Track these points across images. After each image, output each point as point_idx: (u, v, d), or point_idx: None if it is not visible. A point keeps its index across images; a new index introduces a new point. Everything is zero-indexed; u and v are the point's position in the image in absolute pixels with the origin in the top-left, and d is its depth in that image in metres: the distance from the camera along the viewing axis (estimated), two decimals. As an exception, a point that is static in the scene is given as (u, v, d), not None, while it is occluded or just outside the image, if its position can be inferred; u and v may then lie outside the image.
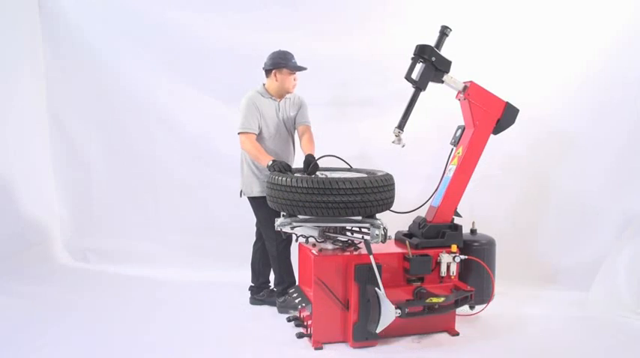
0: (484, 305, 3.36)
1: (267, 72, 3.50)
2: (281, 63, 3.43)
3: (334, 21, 4.49)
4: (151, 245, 4.69)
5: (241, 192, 3.58)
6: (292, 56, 3.49)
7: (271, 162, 3.20)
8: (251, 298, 3.70)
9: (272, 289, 3.73)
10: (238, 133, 3.43)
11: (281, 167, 3.14)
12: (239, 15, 4.54)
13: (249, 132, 3.39)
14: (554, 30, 4.23)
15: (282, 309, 3.48)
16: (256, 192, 3.47)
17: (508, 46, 4.27)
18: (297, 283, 3.49)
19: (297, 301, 3.18)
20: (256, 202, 3.50)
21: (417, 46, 3.20)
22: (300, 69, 3.50)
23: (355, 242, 3.14)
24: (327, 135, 3.90)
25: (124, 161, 4.80)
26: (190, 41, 4.60)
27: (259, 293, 3.69)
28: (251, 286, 3.74)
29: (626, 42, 4.08)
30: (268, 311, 3.48)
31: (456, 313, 3.21)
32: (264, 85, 3.54)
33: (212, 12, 4.56)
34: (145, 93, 4.70)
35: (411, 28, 4.30)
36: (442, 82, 3.26)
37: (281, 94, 3.52)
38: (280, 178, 2.90)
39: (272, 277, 3.75)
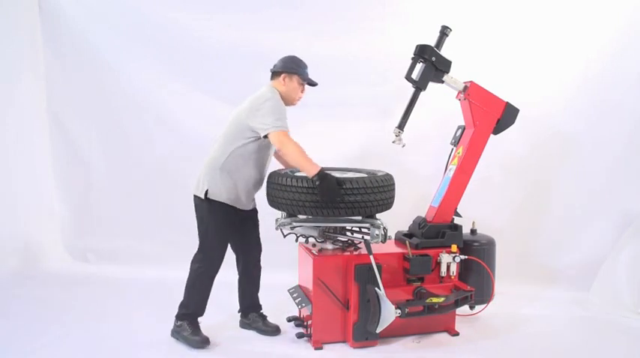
0: (484, 305, 3.36)
1: (276, 74, 3.07)
2: (294, 68, 3.03)
3: (334, 21, 4.49)
4: (151, 245, 4.68)
5: (207, 192, 2.95)
6: (306, 66, 3.11)
7: (322, 172, 2.76)
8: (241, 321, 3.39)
9: (262, 313, 3.37)
10: (276, 131, 2.82)
11: (335, 180, 2.77)
12: (240, 15, 4.55)
13: (288, 131, 2.89)
14: (554, 30, 4.23)
15: (175, 334, 3.06)
16: (224, 198, 2.97)
17: (508, 46, 4.26)
18: (200, 317, 3.11)
19: (297, 301, 3.18)
20: (216, 208, 2.98)
21: (417, 46, 3.20)
22: (311, 82, 3.11)
23: (355, 242, 3.14)
24: (327, 135, 3.90)
25: (124, 161, 4.80)
26: (191, 41, 4.60)
27: (247, 315, 3.35)
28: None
29: (627, 42, 4.08)
30: (268, 312, 3.47)
31: (456, 313, 3.21)
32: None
33: (213, 12, 4.56)
34: (145, 94, 4.70)
35: (411, 28, 4.30)
36: (442, 82, 3.26)
37: (284, 103, 3.04)
38: (281, 178, 2.89)
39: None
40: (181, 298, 3.09)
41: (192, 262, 3.06)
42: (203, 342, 2.97)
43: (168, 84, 4.67)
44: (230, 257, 3.32)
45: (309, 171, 2.79)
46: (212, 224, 3.00)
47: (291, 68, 3.04)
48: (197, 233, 3.06)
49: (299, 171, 3.07)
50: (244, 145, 2.95)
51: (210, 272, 3.04)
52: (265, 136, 2.87)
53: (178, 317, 3.07)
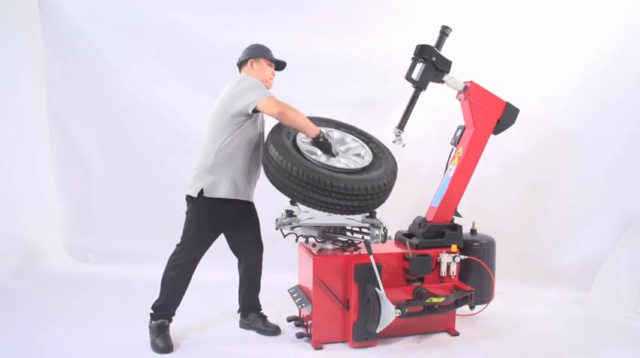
0: (484, 305, 3.36)
1: (243, 64, 3.15)
2: (257, 52, 3.12)
3: (334, 21, 4.49)
4: (151, 245, 4.67)
5: (202, 191, 2.92)
6: (270, 50, 3.19)
7: (321, 133, 2.91)
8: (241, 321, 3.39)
9: (262, 314, 3.36)
10: (264, 99, 2.81)
11: (328, 142, 2.93)
12: (240, 15, 4.54)
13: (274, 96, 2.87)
14: (554, 30, 4.23)
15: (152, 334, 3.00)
16: (220, 193, 2.93)
17: (508, 46, 4.27)
18: (171, 317, 3.07)
19: (297, 301, 3.18)
20: (209, 206, 2.96)
21: (418, 46, 3.20)
22: (278, 61, 3.18)
23: (355, 242, 3.14)
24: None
25: (124, 161, 4.80)
26: (191, 42, 4.60)
27: (247, 315, 3.36)
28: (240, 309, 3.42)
29: (627, 42, 4.08)
30: (267, 312, 3.47)
31: (456, 313, 3.21)
32: None
33: (213, 12, 4.57)
34: (145, 94, 4.70)
35: (410, 28, 4.30)
36: (442, 82, 3.26)
37: None
38: (289, 165, 2.73)
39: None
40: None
41: (170, 256, 3.04)
42: (165, 350, 2.90)
43: (168, 84, 4.67)
44: (231, 257, 3.33)
45: (311, 132, 2.89)
46: (198, 221, 3.00)
47: (255, 53, 3.13)
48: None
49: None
50: (230, 135, 2.93)
51: (186, 268, 3.01)
52: (255, 111, 2.86)
53: (151, 315, 3.04)
